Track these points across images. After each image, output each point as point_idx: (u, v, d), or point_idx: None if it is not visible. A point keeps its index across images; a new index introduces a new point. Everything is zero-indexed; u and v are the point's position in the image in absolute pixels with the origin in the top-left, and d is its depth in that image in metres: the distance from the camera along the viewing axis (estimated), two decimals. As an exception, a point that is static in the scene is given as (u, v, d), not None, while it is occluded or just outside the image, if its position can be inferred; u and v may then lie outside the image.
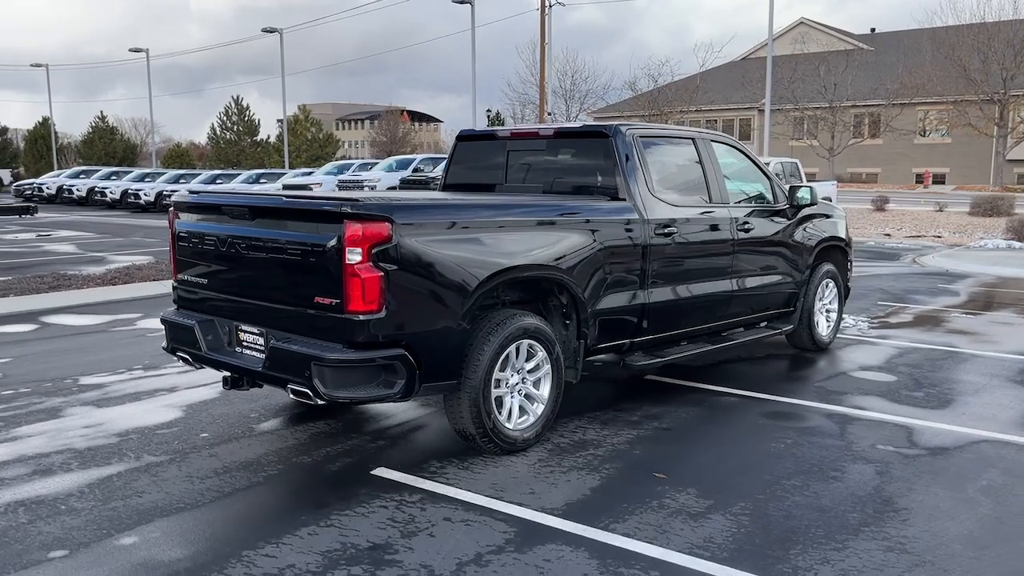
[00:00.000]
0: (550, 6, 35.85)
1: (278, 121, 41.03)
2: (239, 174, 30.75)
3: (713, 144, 6.65)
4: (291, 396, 4.48)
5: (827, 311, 7.88)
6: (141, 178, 33.69)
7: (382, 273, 4.21)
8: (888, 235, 21.41)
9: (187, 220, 5.15)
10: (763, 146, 27.75)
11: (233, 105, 50.91)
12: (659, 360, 5.98)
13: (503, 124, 52.87)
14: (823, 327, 7.81)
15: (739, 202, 6.77)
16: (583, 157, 5.98)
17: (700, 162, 6.37)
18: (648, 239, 5.66)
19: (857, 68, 45.31)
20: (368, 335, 4.25)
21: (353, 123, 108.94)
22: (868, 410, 5.87)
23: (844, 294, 8.15)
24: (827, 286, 7.79)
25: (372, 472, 4.64)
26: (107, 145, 55.25)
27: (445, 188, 6.76)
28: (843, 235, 8.00)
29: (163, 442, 5.14)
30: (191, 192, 5.22)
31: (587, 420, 5.62)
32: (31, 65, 48.00)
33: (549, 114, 37.26)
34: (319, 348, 4.31)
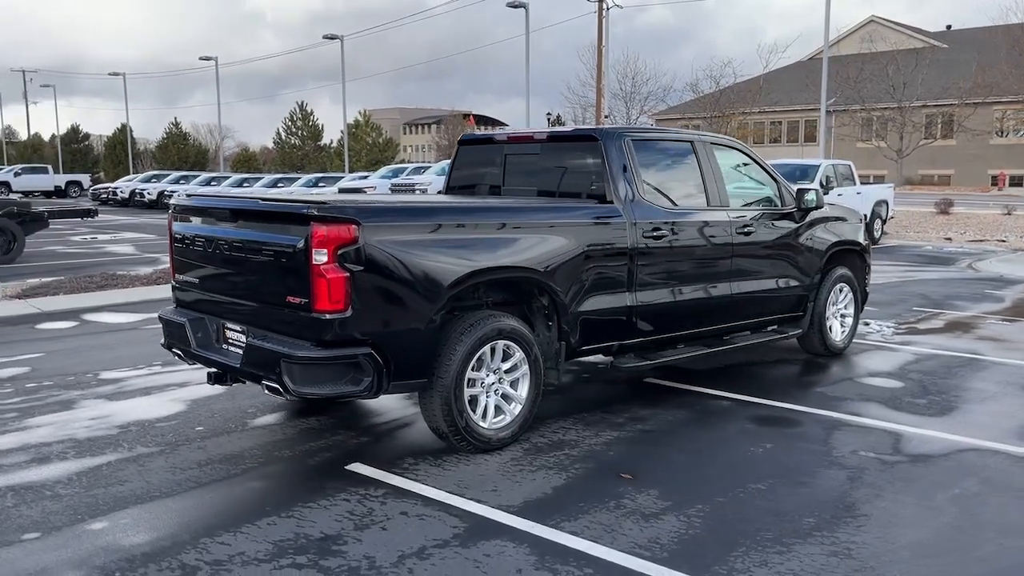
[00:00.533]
0: (607, 8, 35.78)
1: (344, 128, 41.76)
2: (299, 177, 31.49)
3: (715, 148, 6.63)
4: (266, 392, 4.66)
5: (842, 316, 7.76)
6: (207, 182, 34.79)
7: (348, 274, 4.35)
8: (949, 239, 20.79)
9: (181, 223, 5.39)
10: (822, 148, 27.22)
11: (298, 110, 52.22)
12: (648, 362, 6.00)
13: (563, 126, 52.95)
14: (837, 332, 7.69)
15: (742, 205, 6.73)
16: (574, 160, 6.04)
17: (698, 165, 6.36)
18: (636, 242, 5.68)
19: (928, 67, 44.08)
20: (335, 333, 4.40)
21: (419, 127, 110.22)
22: (862, 416, 5.79)
23: (862, 299, 8.02)
24: (841, 291, 7.67)
25: (346, 467, 4.79)
26: (180, 150, 57.25)
27: (448, 191, 6.90)
28: (859, 239, 7.86)
29: (159, 434, 5.38)
30: (186, 195, 5.46)
31: (572, 420, 5.68)
32: (109, 74, 49.96)
33: (606, 116, 37.11)
34: (289, 346, 4.48)
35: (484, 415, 5.04)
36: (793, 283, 7.04)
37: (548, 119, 53.40)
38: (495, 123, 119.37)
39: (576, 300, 5.40)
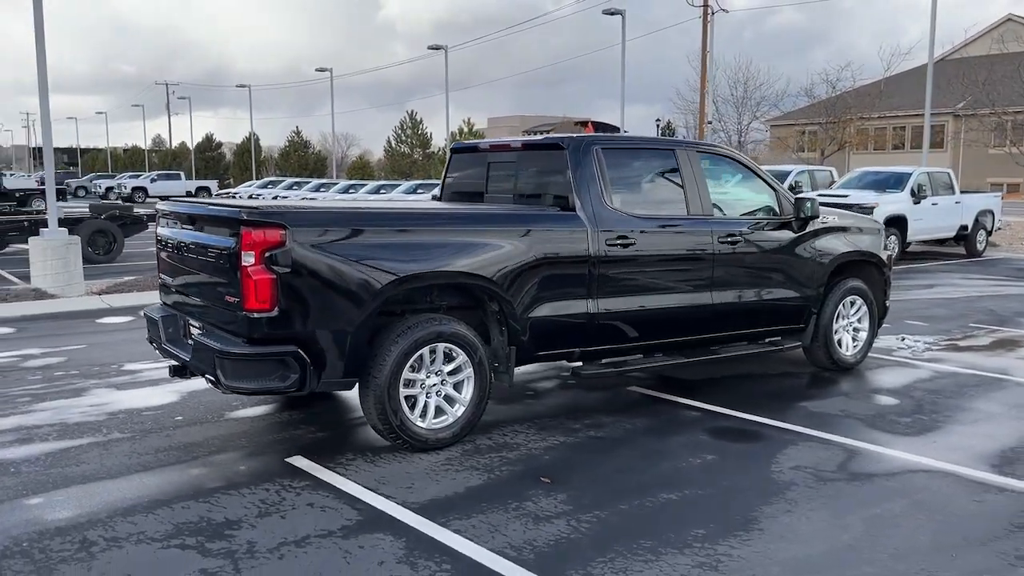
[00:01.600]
0: (712, 13, 35.17)
1: (447, 136, 42.66)
2: (400, 184, 32.40)
3: (703, 156, 6.56)
4: (209, 385, 4.98)
5: (854, 330, 7.49)
6: (317, 188, 36.25)
7: (274, 275, 4.60)
8: (1061, 252, 19.46)
9: (161, 226, 5.80)
10: (925, 155, 25.89)
11: (408, 119, 53.79)
12: (611, 370, 6.03)
13: (673, 133, 52.21)
14: (848, 346, 7.42)
15: (732, 214, 6.64)
16: (544, 169, 6.12)
17: (680, 174, 6.31)
18: (598, 250, 5.71)
19: (1068, 68, 41.06)
20: (262, 332, 4.66)
21: (536, 135, 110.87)
22: (829, 433, 5.61)
23: (880, 313, 7.70)
24: (853, 303, 7.41)
25: (287, 459, 5.04)
26: (300, 158, 60.04)
27: (441, 197, 7.10)
28: (875, 251, 7.56)
29: (139, 422, 5.79)
30: (164, 202, 5.87)
31: (529, 425, 5.76)
32: (237, 86, 52.87)
33: (708, 123, 36.43)
34: (224, 343, 4.77)
35: (424, 415, 5.19)
36: (791, 294, 6.86)
37: (657, 125, 52.80)
38: (615, 129, 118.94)
39: (529, 306, 5.48)
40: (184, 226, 5.38)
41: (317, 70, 43.63)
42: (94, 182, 54.52)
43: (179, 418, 5.89)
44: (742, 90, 45.67)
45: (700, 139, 38.77)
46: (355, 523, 4.13)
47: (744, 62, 57.08)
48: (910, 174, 18.18)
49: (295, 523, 4.12)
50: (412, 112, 54.71)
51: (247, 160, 59.91)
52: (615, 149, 6.16)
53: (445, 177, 7.09)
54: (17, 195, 23.90)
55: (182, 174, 52.21)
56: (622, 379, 6.90)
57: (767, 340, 7.05)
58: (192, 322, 5.39)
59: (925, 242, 19.38)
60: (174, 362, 5.50)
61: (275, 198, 34.88)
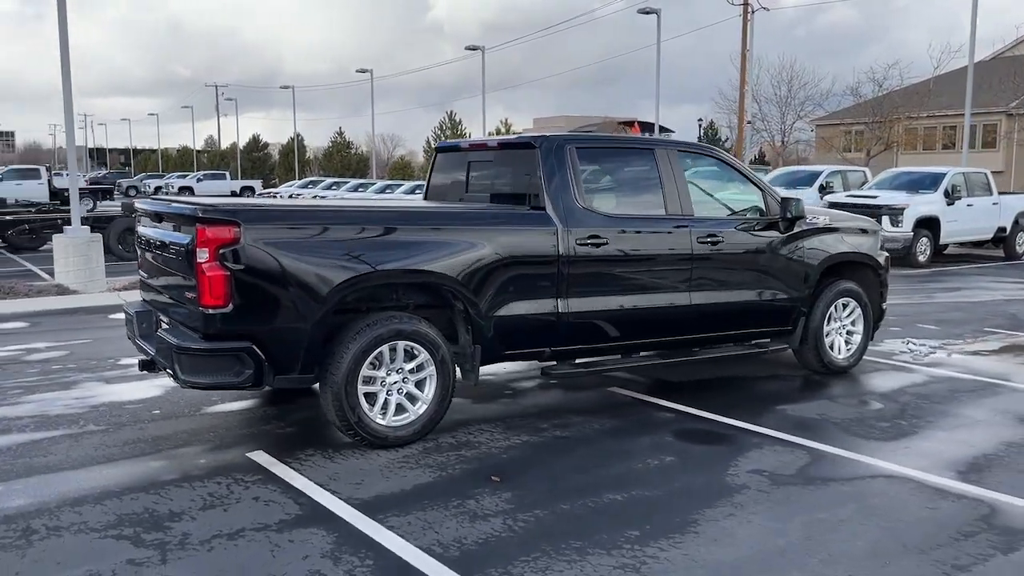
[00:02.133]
0: (752, 12, 34.74)
1: (495, 135, 42.89)
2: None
3: (685, 156, 6.50)
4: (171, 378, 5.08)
5: (847, 332, 7.34)
6: (355, 188, 36.67)
7: (228, 272, 4.67)
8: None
9: (140, 224, 5.92)
10: (965, 156, 25.21)
11: (447, 119, 54.12)
12: (581, 370, 6.01)
13: (716, 134, 51.73)
14: (840, 349, 7.28)
15: (714, 214, 6.56)
16: (517, 168, 6.10)
17: (658, 173, 6.25)
18: (568, 249, 5.69)
19: None
20: (216, 328, 4.73)
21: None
22: (800, 436, 5.51)
23: (876, 316, 7.54)
24: (846, 306, 7.26)
25: (247, 454, 5.11)
26: (343, 158, 60.80)
27: (426, 196, 7.13)
28: (868, 252, 7.40)
29: (116, 415, 5.91)
30: (141, 201, 5.99)
31: (496, 424, 5.76)
32: (280, 87, 53.85)
33: (748, 122, 35.98)
34: (181, 338, 4.86)
35: (384, 413, 5.22)
36: (777, 295, 6.75)
37: (699, 125, 52.39)
38: (663, 130, 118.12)
39: (494, 305, 5.47)
40: (153, 224, 5.49)
41: (358, 71, 44.20)
42: (144, 182, 55.79)
43: (156, 412, 6.00)
44: (786, 89, 45.04)
45: (740, 139, 38.32)
46: (293, 518, 4.17)
47: (788, 61, 55.89)
48: (944, 174, 17.75)
49: (235, 516, 4.17)
50: (451, 113, 55.06)
51: (292, 160, 60.85)
52: (591, 149, 6.14)
53: (430, 177, 7.12)
54: (65, 194, 24.61)
55: (227, 174, 53.19)
56: (603, 380, 6.86)
57: (754, 342, 6.97)
58: (162, 318, 5.51)
59: (962, 244, 18.93)
60: (143, 357, 5.62)
61: (314, 197, 35.34)
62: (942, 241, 17.22)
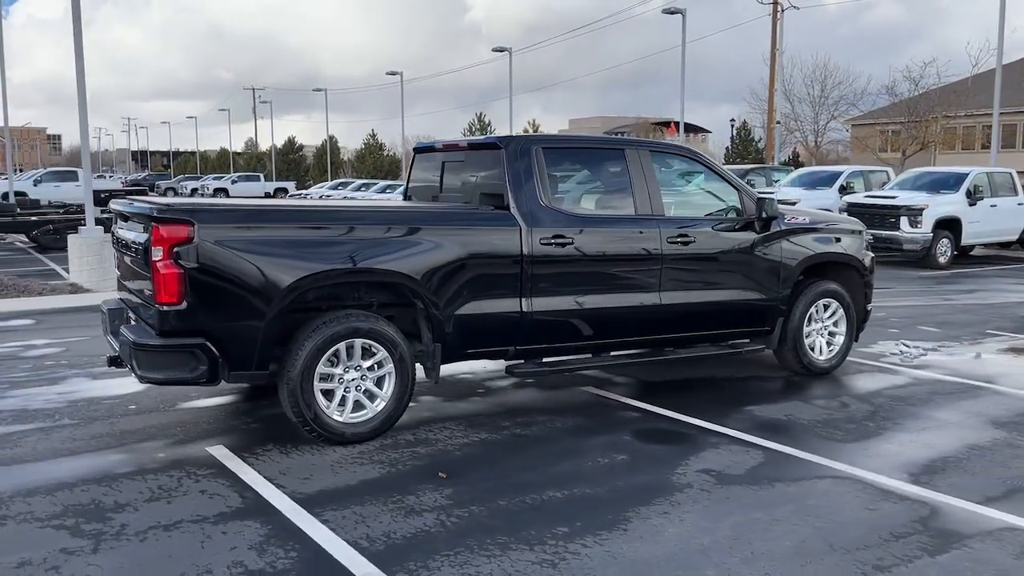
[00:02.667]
0: (782, 10, 34.42)
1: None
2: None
3: (657, 156, 6.50)
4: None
5: (829, 334, 7.27)
6: (383, 190, 36.96)
7: (181, 270, 4.78)
8: None
9: (116, 224, 6.08)
10: (993, 156, 24.67)
11: (476, 121, 54.35)
12: (544, 369, 6.03)
13: (749, 134, 51.21)
14: (821, 350, 7.21)
15: (688, 214, 6.56)
16: (484, 168, 6.16)
17: (628, 174, 6.25)
18: (531, 248, 5.72)
19: None
20: (171, 325, 4.85)
21: (618, 135, 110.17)
22: (761, 437, 5.49)
23: (860, 317, 7.45)
24: (827, 307, 7.19)
25: (207, 448, 5.22)
26: (376, 160, 61.31)
27: (406, 197, 7.21)
28: (851, 252, 7.32)
29: (93, 410, 6.06)
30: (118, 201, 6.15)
31: (458, 422, 5.81)
32: (314, 90, 54.54)
33: (778, 123, 35.64)
34: (139, 334, 4.99)
35: (341, 409, 5.30)
36: (753, 296, 6.71)
37: (732, 125, 51.93)
38: (699, 130, 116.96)
39: (456, 304, 5.53)
40: (121, 223, 5.64)
41: (388, 74, 44.59)
42: (181, 183, 56.81)
43: (132, 407, 6.15)
44: (819, 89, 44.43)
45: (770, 139, 37.96)
46: (233, 511, 4.26)
47: (822, 59, 54.67)
48: (967, 174, 17.42)
49: (176, 508, 4.28)
50: (480, 114, 55.32)
51: (326, 162, 61.54)
52: (559, 149, 6.18)
53: (409, 177, 7.20)
54: (102, 196, 25.22)
55: (261, 176, 53.94)
56: (577, 380, 6.88)
57: (730, 343, 6.94)
58: (131, 315, 5.65)
59: (988, 246, 18.58)
60: (110, 353, 5.76)
61: (343, 198, 35.72)
62: (964, 243, 16.90)
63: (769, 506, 4.35)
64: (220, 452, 5.15)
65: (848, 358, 7.51)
